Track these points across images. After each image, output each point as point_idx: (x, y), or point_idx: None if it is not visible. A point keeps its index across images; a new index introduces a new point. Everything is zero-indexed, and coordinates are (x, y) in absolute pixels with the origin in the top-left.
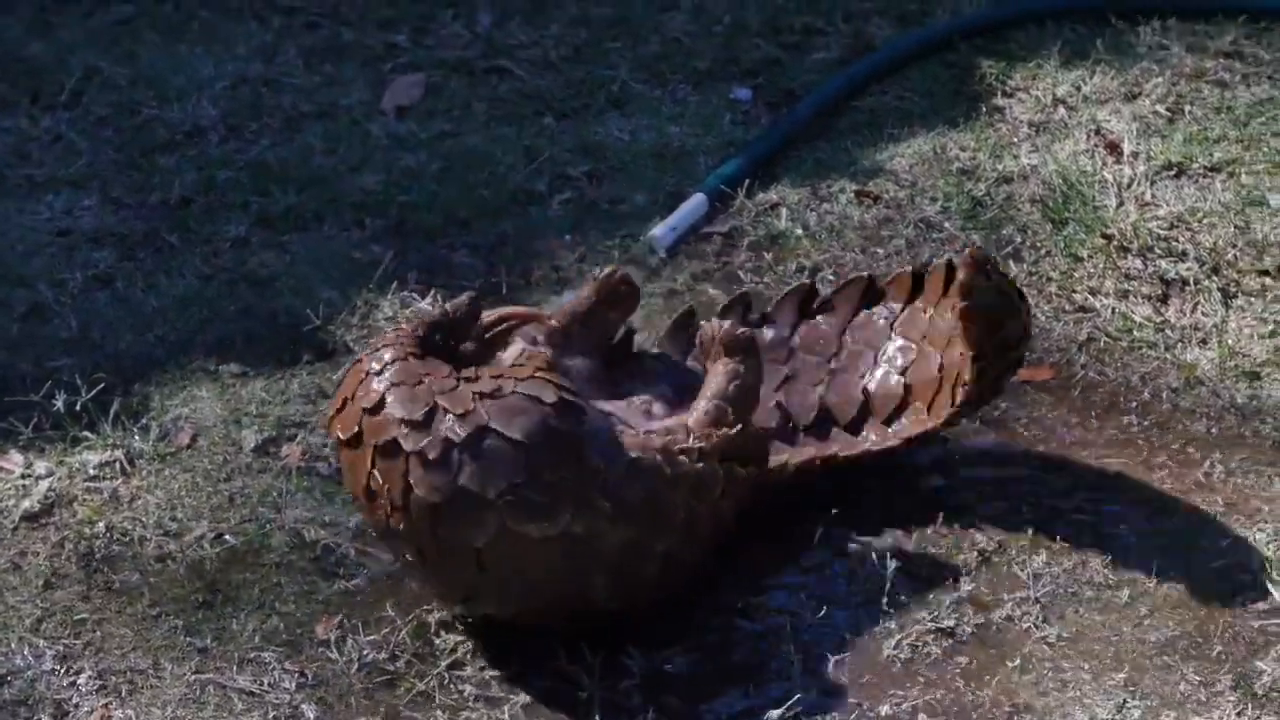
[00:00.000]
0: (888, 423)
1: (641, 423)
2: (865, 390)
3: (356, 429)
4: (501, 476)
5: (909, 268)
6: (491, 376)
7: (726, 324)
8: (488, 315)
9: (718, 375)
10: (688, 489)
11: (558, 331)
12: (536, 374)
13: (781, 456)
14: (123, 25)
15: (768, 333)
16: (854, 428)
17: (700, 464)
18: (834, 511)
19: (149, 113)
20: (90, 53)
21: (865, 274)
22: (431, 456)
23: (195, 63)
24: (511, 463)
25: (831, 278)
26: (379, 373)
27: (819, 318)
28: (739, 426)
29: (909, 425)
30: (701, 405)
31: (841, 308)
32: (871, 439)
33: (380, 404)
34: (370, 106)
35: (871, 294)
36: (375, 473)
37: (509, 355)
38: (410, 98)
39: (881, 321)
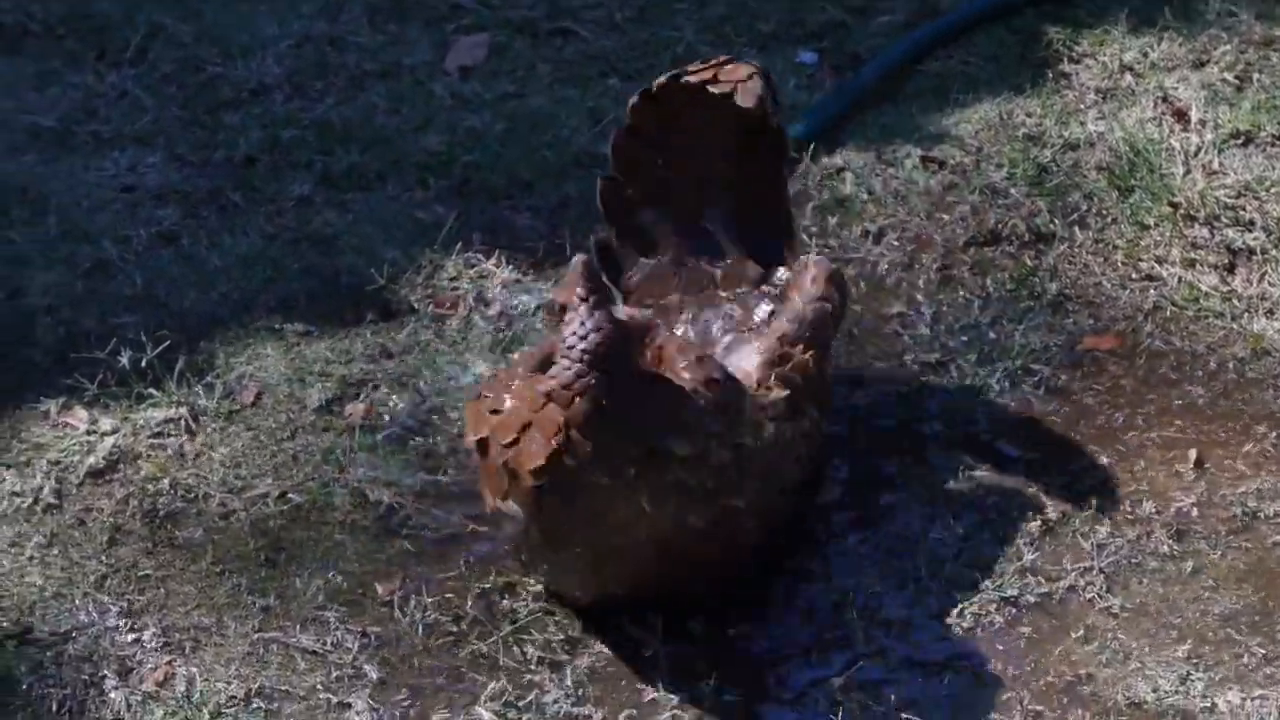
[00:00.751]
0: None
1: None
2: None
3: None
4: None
5: None
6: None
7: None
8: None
9: (798, 298)
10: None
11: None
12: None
13: None
14: None
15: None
16: None
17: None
18: (898, 481)
19: (214, 70)
20: (156, 9)
21: None
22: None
23: (260, 20)
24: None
25: (895, 243)
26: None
27: None
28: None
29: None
30: (781, 326)
31: None
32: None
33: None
34: (434, 66)
35: None
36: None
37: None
38: (474, 58)
39: None
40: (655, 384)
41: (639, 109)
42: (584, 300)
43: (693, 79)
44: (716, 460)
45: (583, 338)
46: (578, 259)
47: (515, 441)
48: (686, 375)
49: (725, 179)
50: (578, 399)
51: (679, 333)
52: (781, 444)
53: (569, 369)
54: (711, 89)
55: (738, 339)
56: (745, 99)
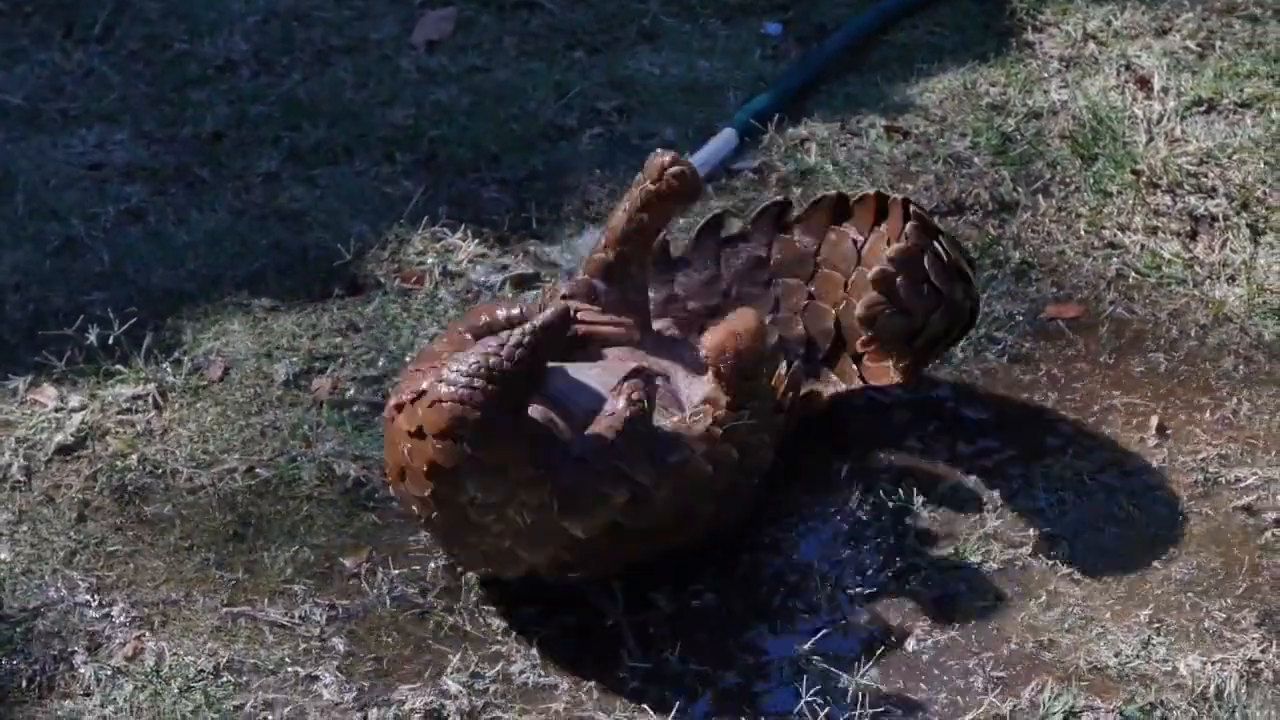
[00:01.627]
0: (855, 360)
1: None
2: (837, 322)
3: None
4: (550, 552)
5: (874, 190)
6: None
7: (725, 342)
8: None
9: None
10: (727, 471)
11: (607, 263)
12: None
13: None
14: None
15: (744, 251)
16: (831, 359)
17: (749, 437)
18: (857, 449)
19: (180, 47)
20: None
21: (835, 191)
22: (495, 530)
23: None
24: (565, 549)
25: None
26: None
27: (795, 232)
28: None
29: (872, 370)
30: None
31: (816, 223)
32: (839, 384)
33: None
34: (400, 41)
35: (842, 211)
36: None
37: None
38: (440, 32)
39: (849, 244)
40: (548, 438)
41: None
42: (530, 334)
43: None
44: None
45: (495, 353)
46: (560, 306)
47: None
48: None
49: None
50: (471, 410)
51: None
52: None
53: (462, 381)
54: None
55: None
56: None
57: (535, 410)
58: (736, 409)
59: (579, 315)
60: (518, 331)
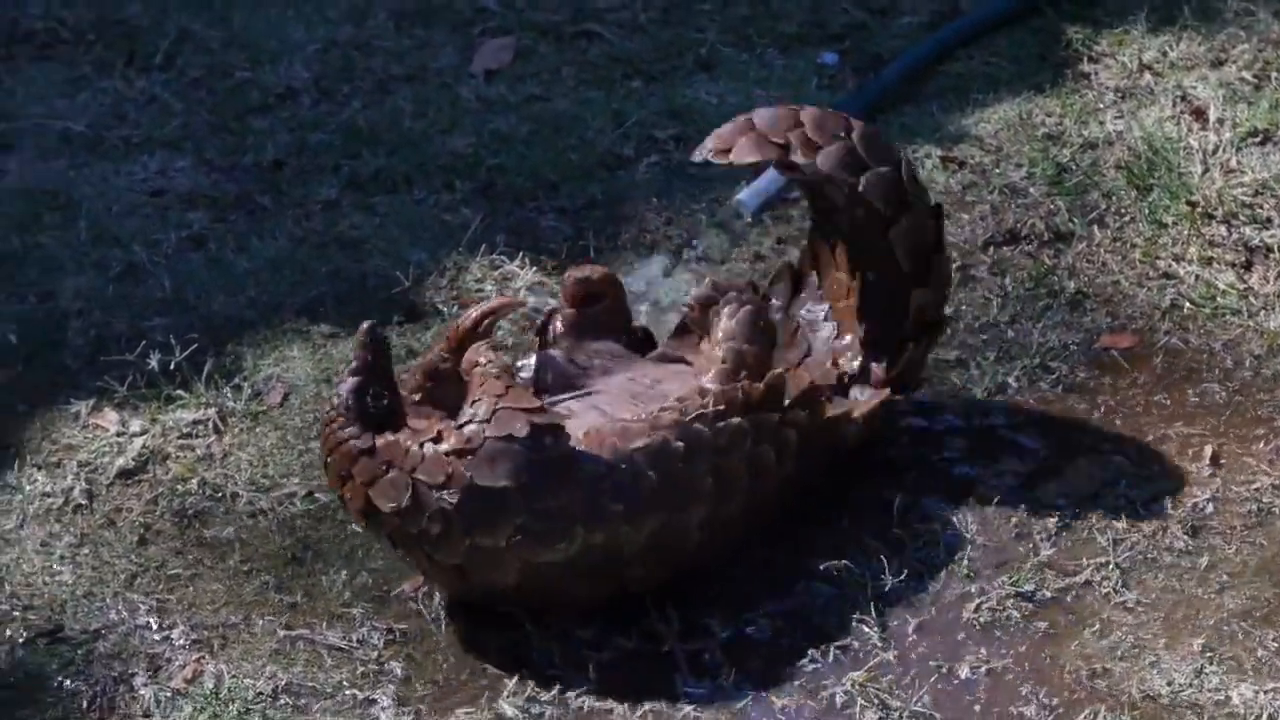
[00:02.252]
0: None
1: (656, 398)
2: (836, 364)
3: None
4: (505, 522)
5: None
6: (457, 427)
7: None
8: (463, 321)
9: (725, 320)
10: (711, 454)
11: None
12: (499, 407)
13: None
14: None
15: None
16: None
17: (720, 424)
18: (910, 478)
19: (242, 75)
20: (184, 15)
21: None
22: (435, 532)
23: (287, 25)
24: (508, 507)
25: None
26: (348, 478)
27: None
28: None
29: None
30: (718, 354)
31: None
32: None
33: (370, 505)
34: (460, 70)
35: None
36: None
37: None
38: (499, 61)
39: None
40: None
41: None
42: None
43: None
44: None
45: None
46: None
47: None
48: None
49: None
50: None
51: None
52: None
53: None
54: None
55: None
56: None
57: None
58: (733, 357)
59: (460, 322)
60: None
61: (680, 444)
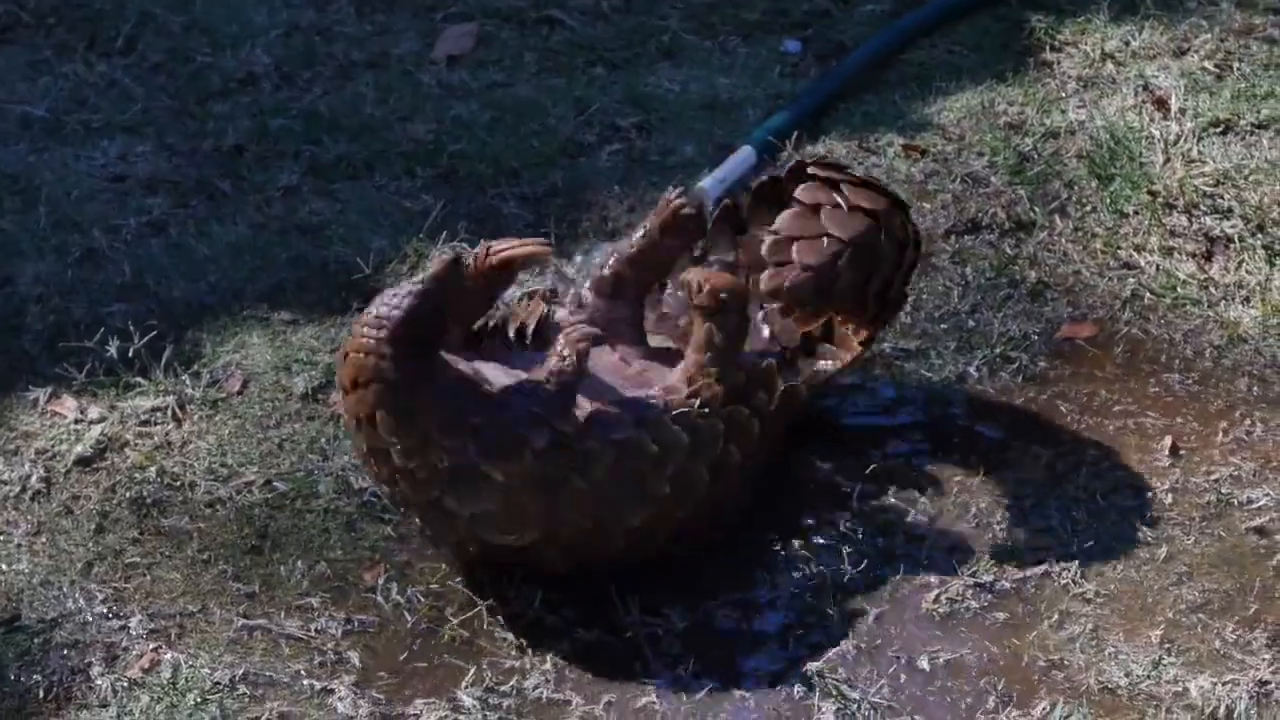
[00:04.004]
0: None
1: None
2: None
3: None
4: (476, 504)
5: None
6: (501, 391)
7: (710, 274)
8: (493, 254)
9: (701, 329)
10: (680, 456)
11: (607, 280)
12: (544, 400)
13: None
14: None
15: (715, 264)
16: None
17: (697, 421)
18: (871, 467)
19: (203, 60)
20: None
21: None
22: (420, 480)
23: (248, 10)
24: (490, 500)
25: None
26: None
27: (751, 231)
28: (720, 380)
29: (840, 344)
30: (688, 360)
31: (759, 218)
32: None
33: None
34: (422, 56)
35: (778, 196)
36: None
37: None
38: (461, 47)
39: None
40: (463, 385)
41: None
42: (420, 283)
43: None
44: (543, 468)
45: (386, 304)
46: (448, 256)
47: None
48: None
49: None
50: (368, 358)
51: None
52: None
53: (363, 333)
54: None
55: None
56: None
57: (494, 369)
58: (713, 365)
59: (492, 247)
60: (407, 284)
61: (654, 447)
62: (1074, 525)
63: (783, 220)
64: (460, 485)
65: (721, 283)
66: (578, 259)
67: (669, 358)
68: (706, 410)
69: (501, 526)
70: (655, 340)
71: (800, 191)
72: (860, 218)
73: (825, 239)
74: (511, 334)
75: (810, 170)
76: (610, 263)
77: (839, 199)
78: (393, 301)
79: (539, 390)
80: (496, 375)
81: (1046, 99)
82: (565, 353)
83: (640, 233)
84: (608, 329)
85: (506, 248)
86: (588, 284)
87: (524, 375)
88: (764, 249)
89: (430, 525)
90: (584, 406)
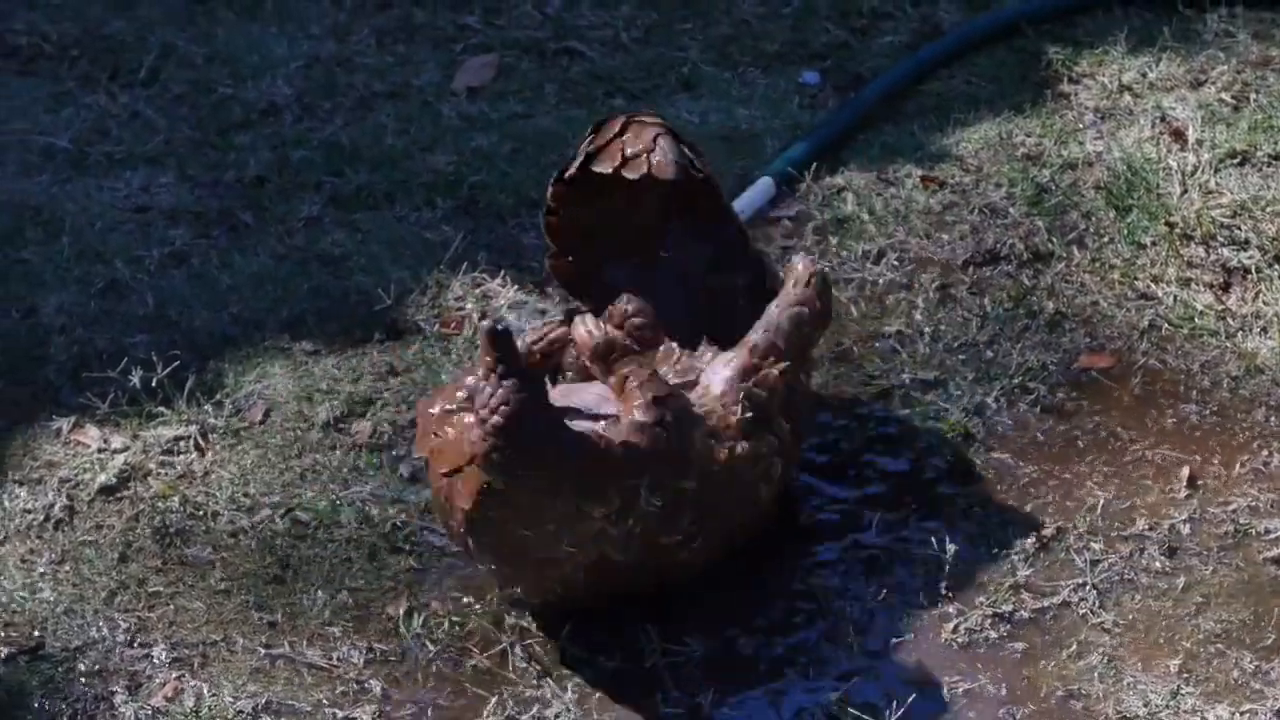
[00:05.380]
0: None
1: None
2: None
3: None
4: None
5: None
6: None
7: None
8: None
9: (775, 305)
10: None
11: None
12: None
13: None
14: (199, 4)
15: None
16: None
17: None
18: (888, 497)
19: (224, 91)
20: (168, 30)
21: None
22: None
23: (270, 42)
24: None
25: (895, 262)
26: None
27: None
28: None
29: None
30: (752, 338)
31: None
32: None
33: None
34: (442, 87)
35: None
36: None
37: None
38: (482, 78)
39: None
40: (576, 444)
41: (560, 193)
42: (492, 370)
43: (604, 167)
44: (646, 508)
45: (492, 410)
46: (484, 325)
47: (450, 472)
48: (636, 416)
49: (665, 228)
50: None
51: (662, 352)
52: (740, 466)
53: (478, 440)
54: (626, 174)
55: (716, 354)
56: (663, 172)
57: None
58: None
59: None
60: (483, 379)
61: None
62: (1092, 556)
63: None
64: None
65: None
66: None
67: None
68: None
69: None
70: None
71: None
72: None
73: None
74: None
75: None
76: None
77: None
78: (489, 406)
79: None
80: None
81: (1064, 130)
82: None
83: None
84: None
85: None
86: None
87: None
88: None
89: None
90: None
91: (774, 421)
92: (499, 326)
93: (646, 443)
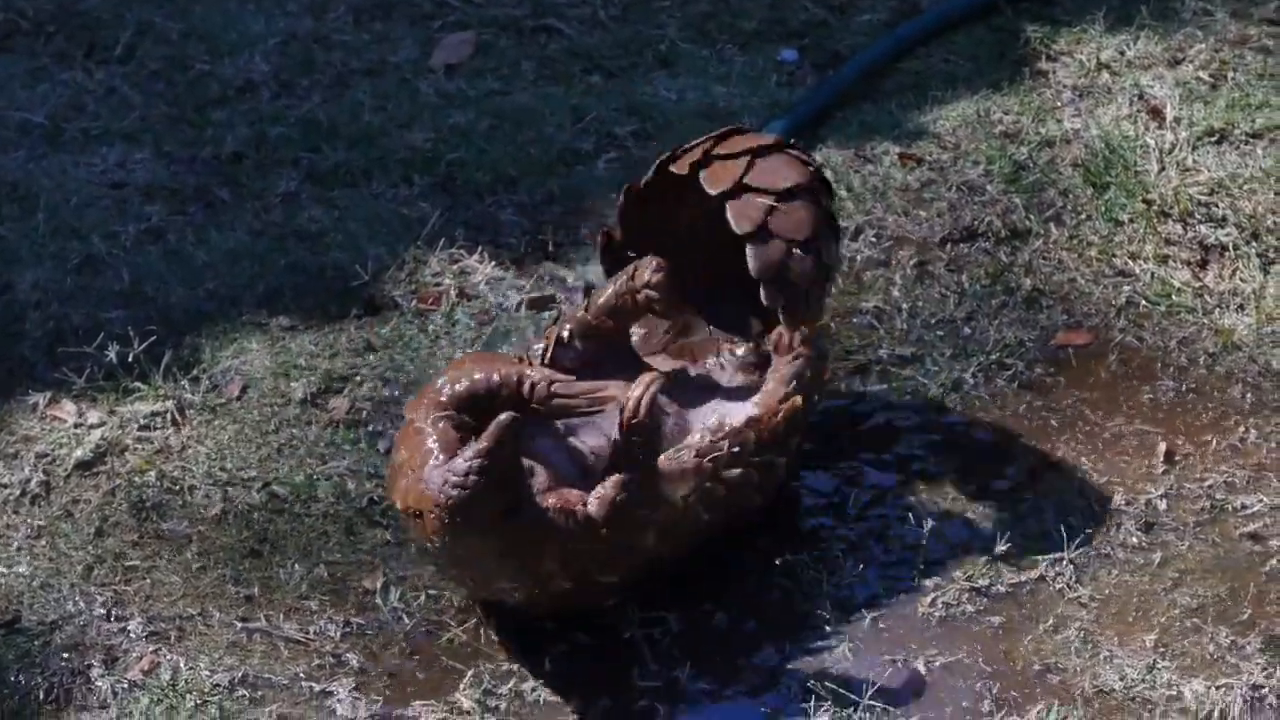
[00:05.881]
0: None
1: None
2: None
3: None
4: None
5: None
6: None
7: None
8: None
9: (784, 365)
10: (711, 501)
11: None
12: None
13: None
14: None
15: None
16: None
17: (737, 470)
18: (867, 473)
19: (201, 68)
20: (144, 7)
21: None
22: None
23: (247, 18)
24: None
25: (873, 239)
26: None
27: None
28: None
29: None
30: (770, 389)
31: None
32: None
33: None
34: (419, 64)
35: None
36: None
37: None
38: (459, 55)
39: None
40: (521, 531)
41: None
42: (480, 452)
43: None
44: (596, 574)
45: (456, 482)
46: (504, 417)
47: (410, 511)
48: (591, 510)
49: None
50: (447, 516)
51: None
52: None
53: (438, 498)
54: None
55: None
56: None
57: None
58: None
59: (554, 389)
60: (470, 455)
61: (689, 493)
62: (1069, 531)
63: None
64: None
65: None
66: (582, 267)
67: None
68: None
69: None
70: (656, 360)
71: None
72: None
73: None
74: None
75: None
76: (585, 307)
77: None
78: (462, 481)
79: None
80: (558, 458)
81: (1042, 108)
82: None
83: (613, 284)
84: (599, 363)
85: (567, 396)
86: (572, 327)
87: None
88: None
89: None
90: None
91: (788, 442)
92: (515, 418)
93: (595, 537)
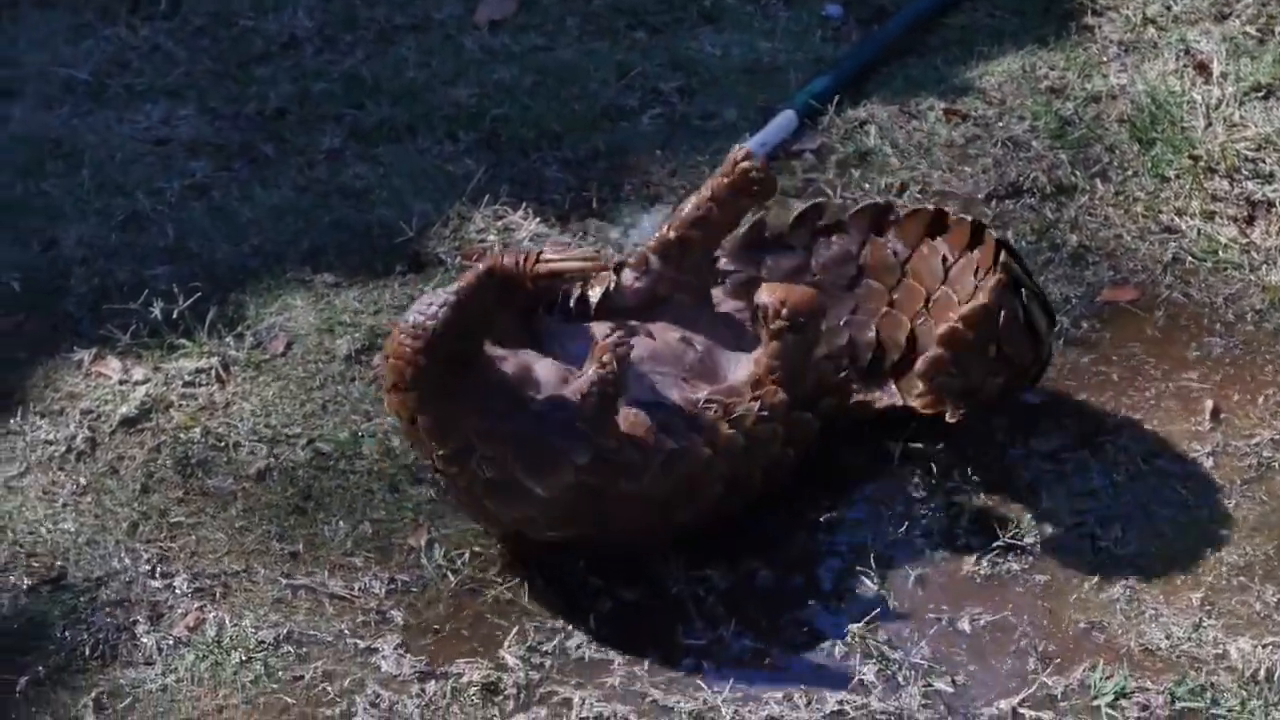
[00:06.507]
0: (922, 377)
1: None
2: (912, 335)
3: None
4: (519, 509)
5: (972, 219)
6: (542, 402)
7: (788, 294)
8: (541, 264)
9: (774, 342)
10: (734, 460)
11: (672, 244)
12: (584, 415)
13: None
14: None
15: (836, 244)
16: (898, 369)
17: (757, 426)
18: (911, 430)
19: (245, 23)
20: None
21: (933, 206)
22: (461, 485)
23: None
24: (533, 506)
25: (919, 195)
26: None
27: (889, 236)
28: (786, 389)
29: (926, 403)
30: (758, 365)
31: (910, 232)
32: (897, 398)
33: (414, 421)
34: (463, 20)
35: (939, 225)
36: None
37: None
38: (503, 11)
39: (939, 261)
40: (505, 393)
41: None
42: (459, 287)
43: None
44: (587, 479)
45: (425, 314)
46: (483, 267)
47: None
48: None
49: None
50: (406, 366)
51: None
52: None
53: (410, 318)
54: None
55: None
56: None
57: (546, 365)
58: (779, 374)
59: (543, 255)
60: (444, 292)
61: (707, 450)
62: (1115, 489)
63: (967, 311)
64: (501, 493)
65: (801, 303)
66: (627, 222)
67: (734, 332)
68: (767, 415)
69: (546, 525)
70: (732, 305)
71: (989, 287)
72: (1026, 337)
73: (994, 349)
74: (573, 304)
75: (1004, 259)
76: (674, 225)
77: (1019, 307)
78: (428, 310)
79: (581, 404)
80: (547, 372)
81: (1088, 63)
82: (605, 359)
83: (705, 193)
84: (673, 292)
85: (556, 259)
86: (651, 247)
87: (575, 371)
88: (939, 330)
89: (473, 517)
90: (633, 416)
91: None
92: (491, 270)
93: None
